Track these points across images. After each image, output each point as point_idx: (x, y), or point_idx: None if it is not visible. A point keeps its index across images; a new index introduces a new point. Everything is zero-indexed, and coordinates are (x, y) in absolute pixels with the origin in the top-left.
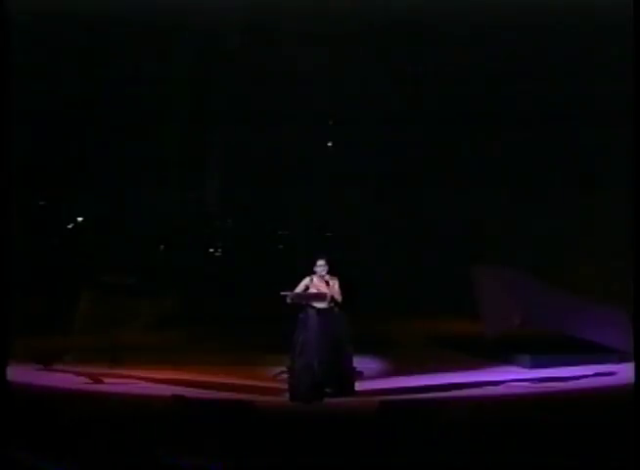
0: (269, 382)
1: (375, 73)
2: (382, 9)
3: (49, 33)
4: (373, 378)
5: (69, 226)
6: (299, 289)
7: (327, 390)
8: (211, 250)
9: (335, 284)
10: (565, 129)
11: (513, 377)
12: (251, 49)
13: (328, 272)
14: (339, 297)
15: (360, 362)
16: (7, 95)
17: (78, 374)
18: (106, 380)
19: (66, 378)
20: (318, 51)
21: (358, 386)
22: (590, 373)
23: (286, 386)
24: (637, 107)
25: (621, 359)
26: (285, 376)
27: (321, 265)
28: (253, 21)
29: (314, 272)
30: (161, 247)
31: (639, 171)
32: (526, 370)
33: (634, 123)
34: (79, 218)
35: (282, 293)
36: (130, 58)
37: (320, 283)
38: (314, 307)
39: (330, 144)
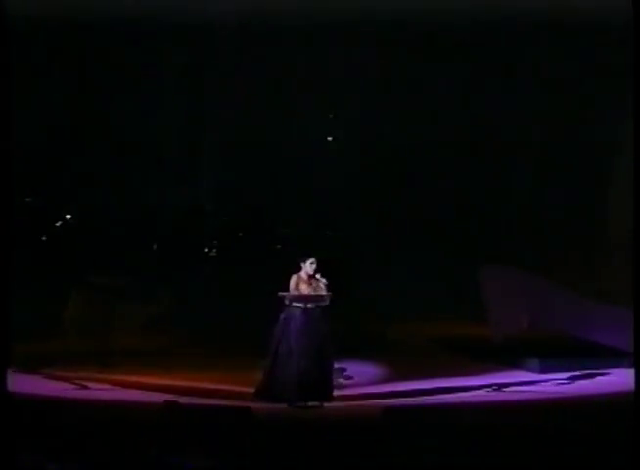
0: None
1: (376, 66)
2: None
3: (45, 32)
4: (374, 383)
5: (57, 224)
6: (293, 287)
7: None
8: (207, 249)
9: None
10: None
11: (522, 381)
12: (249, 42)
13: (317, 272)
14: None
15: (360, 366)
16: (6, 94)
17: (66, 380)
18: (94, 386)
19: (53, 384)
20: (318, 44)
21: (359, 390)
22: (602, 378)
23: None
24: (637, 107)
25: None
26: None
27: (312, 263)
28: (251, 11)
29: (300, 270)
30: (154, 246)
31: (639, 171)
32: (536, 375)
33: (634, 123)
34: (67, 217)
35: (280, 294)
36: (122, 51)
37: (317, 282)
38: (300, 307)
39: (330, 139)
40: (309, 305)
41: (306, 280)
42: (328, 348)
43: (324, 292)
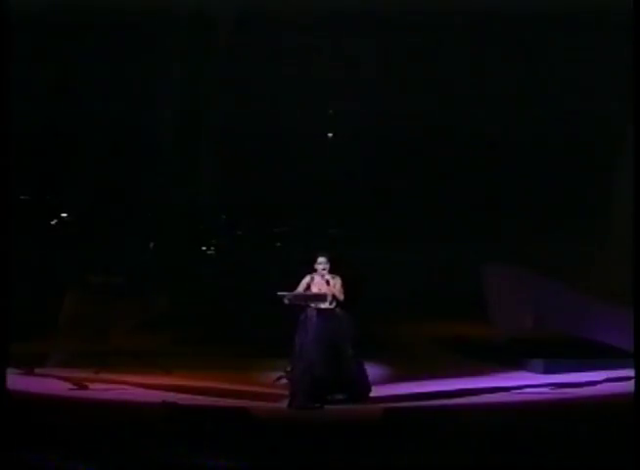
0: (267, 388)
1: (377, 61)
2: None
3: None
4: (376, 384)
5: (53, 222)
6: (301, 288)
7: (340, 396)
8: (204, 247)
9: (337, 283)
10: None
11: (525, 383)
12: (247, 36)
13: (330, 271)
14: (340, 295)
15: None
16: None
17: (62, 379)
18: (91, 386)
19: (49, 384)
20: (318, 38)
21: None
22: (608, 379)
23: (285, 391)
24: (637, 106)
25: None
26: (284, 381)
27: (322, 263)
28: (250, 5)
29: (315, 270)
30: (151, 244)
31: (639, 171)
32: (540, 376)
33: (634, 124)
34: (63, 214)
35: (279, 293)
36: (118, 48)
37: (321, 282)
38: (315, 308)
39: (330, 135)
40: (321, 306)
41: (317, 280)
42: (347, 349)
43: (336, 292)
